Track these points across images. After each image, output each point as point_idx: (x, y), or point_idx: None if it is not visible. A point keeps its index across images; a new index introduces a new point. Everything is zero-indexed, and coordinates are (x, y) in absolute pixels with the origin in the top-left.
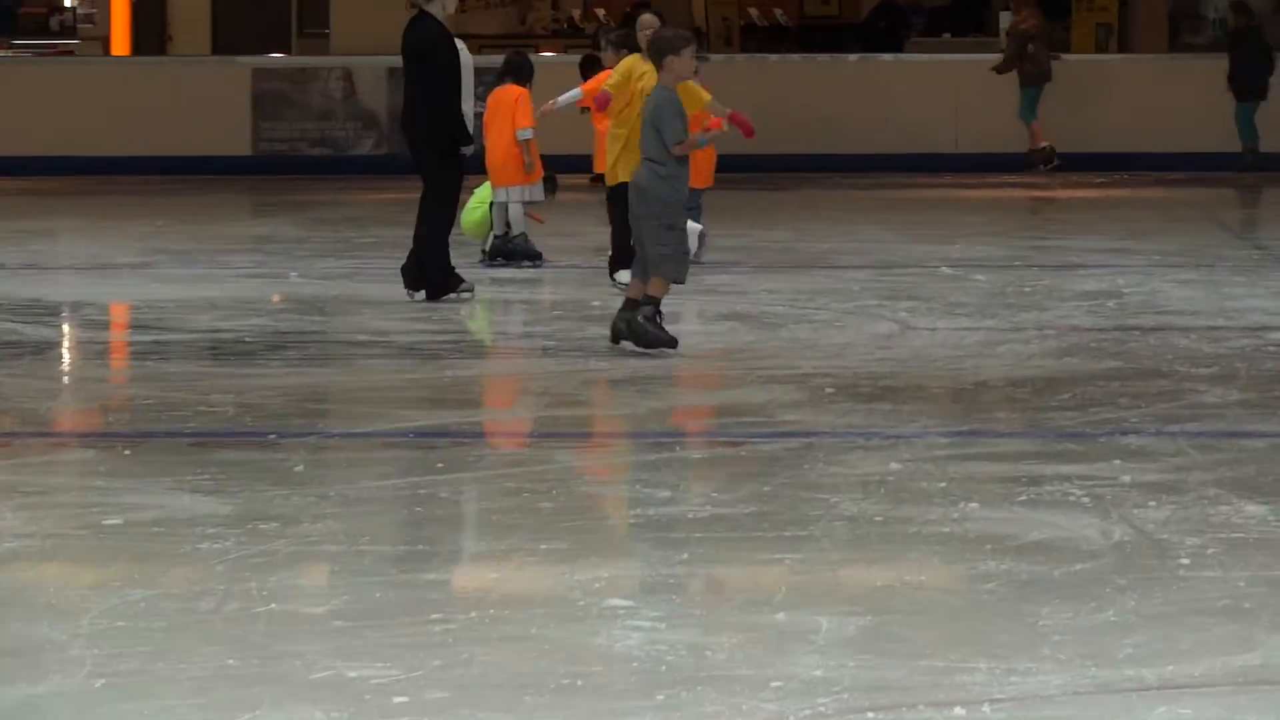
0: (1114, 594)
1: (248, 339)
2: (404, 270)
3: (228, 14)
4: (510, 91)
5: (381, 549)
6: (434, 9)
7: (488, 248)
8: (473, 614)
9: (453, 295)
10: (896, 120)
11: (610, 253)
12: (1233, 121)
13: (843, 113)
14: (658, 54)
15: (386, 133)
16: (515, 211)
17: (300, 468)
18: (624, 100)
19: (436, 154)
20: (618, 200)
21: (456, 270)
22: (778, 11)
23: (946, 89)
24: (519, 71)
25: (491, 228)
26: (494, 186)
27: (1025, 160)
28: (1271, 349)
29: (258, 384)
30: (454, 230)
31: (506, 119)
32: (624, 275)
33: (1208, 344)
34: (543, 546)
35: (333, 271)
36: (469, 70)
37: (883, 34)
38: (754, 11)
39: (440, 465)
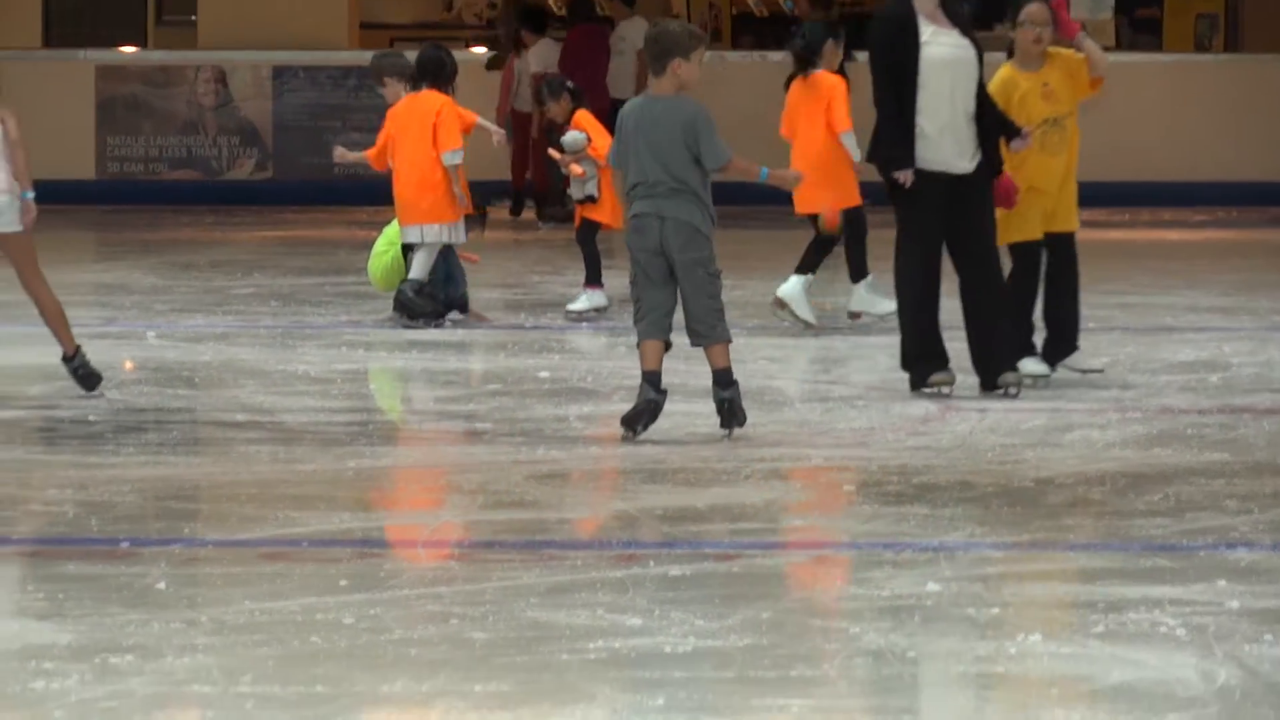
0: None
1: (92, 418)
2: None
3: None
4: (427, 100)
5: (268, 691)
6: None
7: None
8: None
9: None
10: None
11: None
12: None
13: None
14: (661, 54)
15: (271, 151)
16: (426, 258)
17: (162, 585)
18: None
19: None
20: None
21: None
22: None
23: None
24: (438, 73)
25: (405, 275)
26: (403, 225)
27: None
28: None
29: (106, 476)
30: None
31: (422, 136)
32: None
33: None
34: (477, 689)
35: (202, 331)
36: None
37: None
38: None
39: (343, 583)
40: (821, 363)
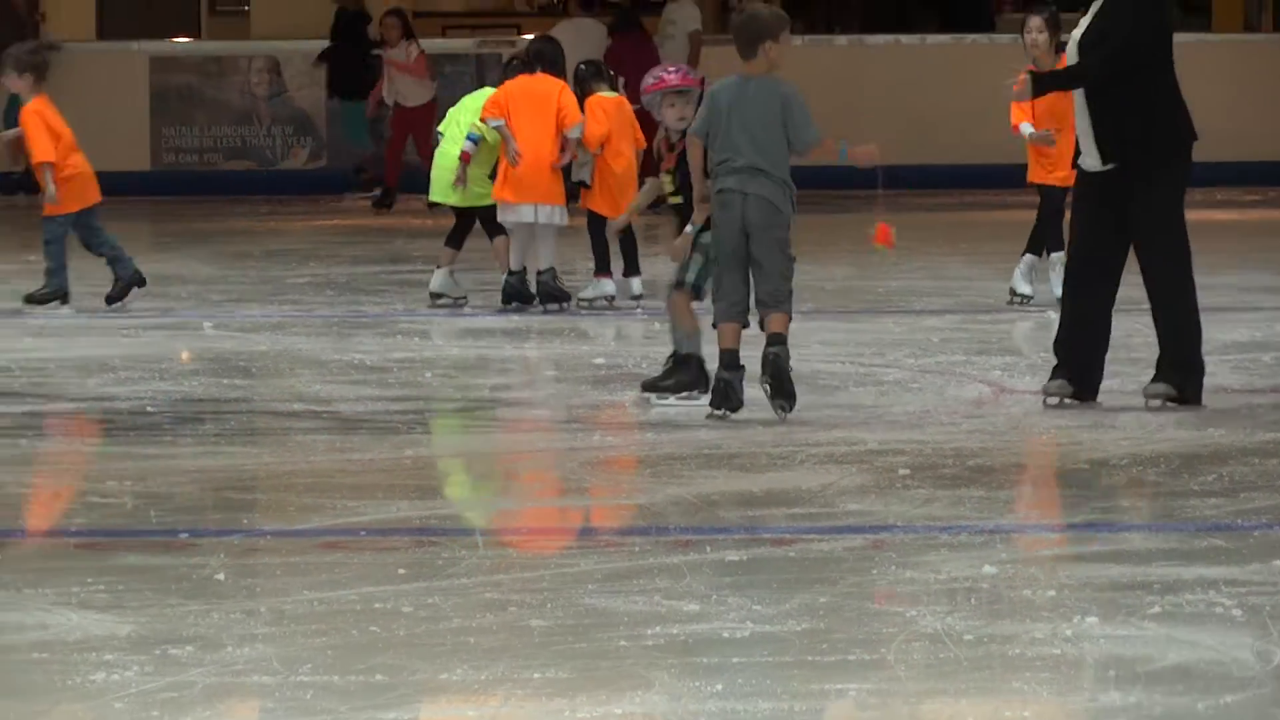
0: None
1: (150, 409)
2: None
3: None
4: (544, 83)
5: (327, 680)
6: None
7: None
8: None
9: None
10: (989, 122)
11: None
12: None
13: (918, 111)
14: (753, 37)
15: (325, 140)
16: (548, 238)
17: (221, 575)
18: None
19: None
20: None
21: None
22: None
23: None
24: (555, 59)
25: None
26: (515, 203)
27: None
28: None
29: (164, 467)
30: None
31: (541, 119)
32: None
33: None
34: (535, 676)
35: (258, 321)
36: None
37: (969, 7)
38: None
39: (401, 571)
40: (874, 346)
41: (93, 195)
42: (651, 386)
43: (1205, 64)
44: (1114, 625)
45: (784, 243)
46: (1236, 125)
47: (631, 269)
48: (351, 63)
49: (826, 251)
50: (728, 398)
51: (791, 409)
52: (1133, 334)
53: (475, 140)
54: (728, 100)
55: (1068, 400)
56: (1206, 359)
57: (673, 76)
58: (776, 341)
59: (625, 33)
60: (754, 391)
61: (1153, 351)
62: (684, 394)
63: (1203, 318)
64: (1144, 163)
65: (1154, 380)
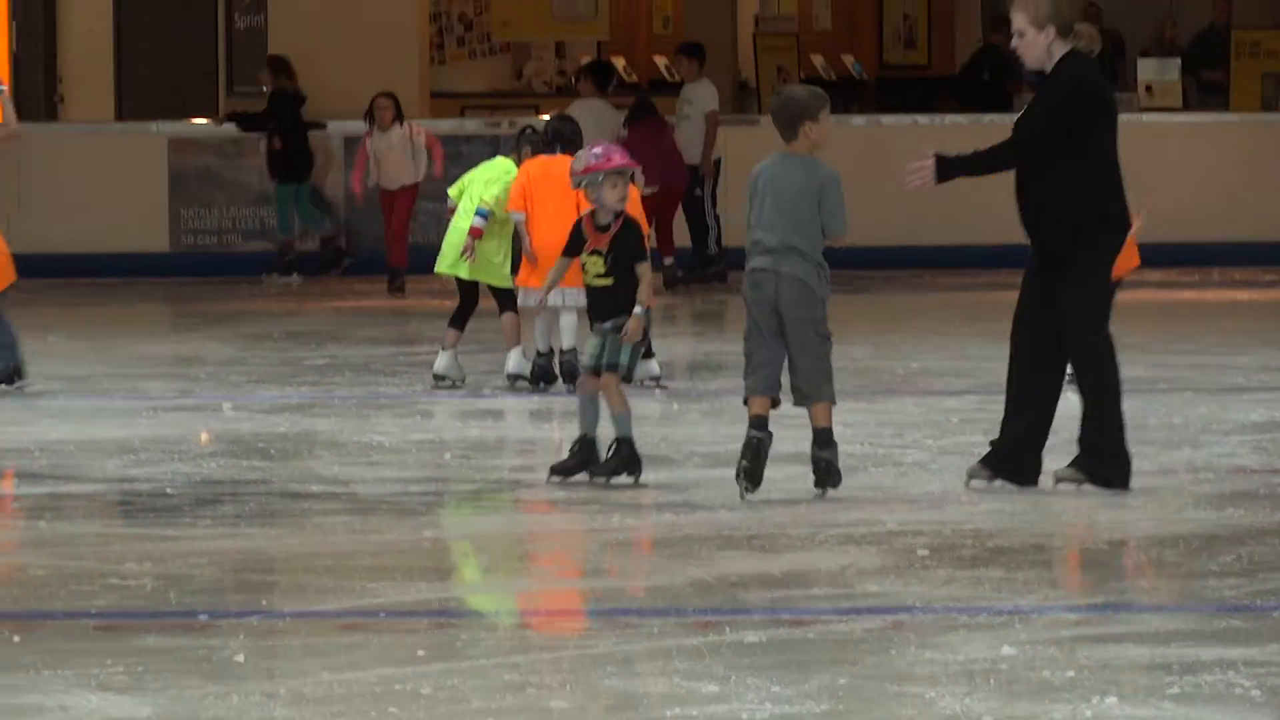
0: None
1: (170, 491)
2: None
3: (136, 68)
4: (568, 164)
5: None
6: None
7: (512, 369)
8: None
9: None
10: (1007, 201)
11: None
12: None
13: (937, 192)
14: (792, 118)
15: (344, 221)
16: (571, 319)
17: (240, 657)
18: None
19: None
20: None
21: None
22: (850, 60)
23: None
24: (574, 138)
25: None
26: (539, 287)
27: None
28: None
29: (184, 549)
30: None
31: (565, 200)
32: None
33: None
34: None
35: (277, 402)
36: None
37: (986, 88)
38: (819, 60)
39: (421, 653)
40: (894, 427)
41: (7, 277)
42: (563, 469)
43: (1224, 144)
44: (1133, 706)
45: (818, 323)
46: (1254, 204)
47: (646, 351)
48: (288, 144)
49: (845, 332)
50: (757, 455)
51: (837, 486)
52: (1149, 414)
53: (485, 215)
54: (765, 180)
55: (1000, 483)
56: (1224, 438)
57: (617, 157)
58: (825, 443)
59: (642, 119)
60: (772, 471)
61: (1171, 432)
62: (617, 476)
63: (1224, 398)
64: (1062, 249)
65: (1068, 464)
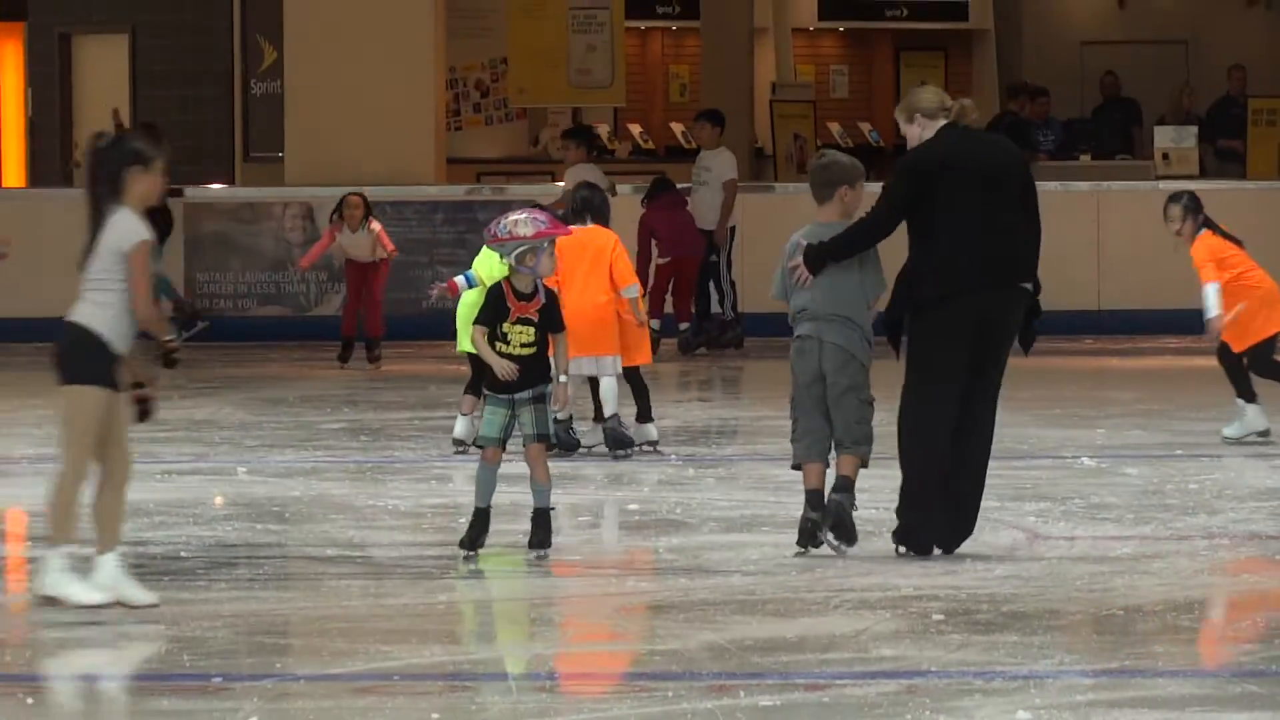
0: None
1: (184, 554)
2: None
3: (152, 134)
4: (597, 235)
5: None
6: None
7: (459, 434)
8: None
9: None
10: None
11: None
12: None
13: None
14: (831, 181)
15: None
16: (611, 387)
17: None
18: None
19: None
20: None
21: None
22: (866, 128)
23: (1086, 226)
24: (602, 208)
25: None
26: (577, 356)
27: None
28: None
29: (198, 612)
30: None
31: (596, 272)
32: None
33: None
34: None
35: (292, 466)
36: None
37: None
38: (835, 127)
39: (435, 716)
40: None
41: None
42: (472, 544)
43: (1241, 210)
44: None
45: (860, 388)
46: (1271, 270)
47: (644, 415)
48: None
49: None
50: (813, 537)
51: (851, 545)
52: (1166, 480)
53: (471, 282)
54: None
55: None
56: (1240, 504)
57: (561, 225)
58: (842, 488)
59: (660, 195)
60: (782, 536)
61: (1187, 498)
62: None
63: (1240, 464)
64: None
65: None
